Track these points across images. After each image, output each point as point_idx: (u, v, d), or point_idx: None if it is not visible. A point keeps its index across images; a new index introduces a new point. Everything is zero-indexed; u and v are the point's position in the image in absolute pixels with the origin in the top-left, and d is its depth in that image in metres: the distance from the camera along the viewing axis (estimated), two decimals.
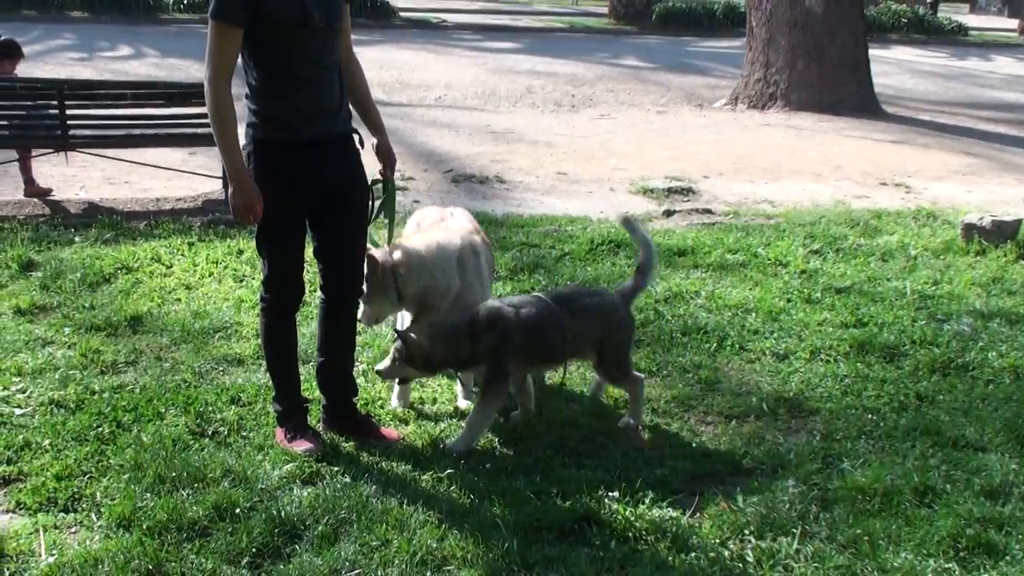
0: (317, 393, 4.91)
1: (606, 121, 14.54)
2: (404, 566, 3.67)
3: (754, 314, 6.33)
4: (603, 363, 4.90)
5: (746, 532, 3.97)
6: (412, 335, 4.66)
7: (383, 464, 4.46)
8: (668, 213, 9.16)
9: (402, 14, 27.00)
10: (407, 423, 4.93)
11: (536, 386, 5.21)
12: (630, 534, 3.91)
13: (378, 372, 4.82)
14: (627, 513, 4.05)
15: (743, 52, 16.65)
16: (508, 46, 22.64)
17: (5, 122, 8.95)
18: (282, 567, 3.68)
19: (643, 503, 4.15)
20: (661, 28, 27.63)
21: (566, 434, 4.76)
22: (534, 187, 10.26)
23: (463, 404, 5.13)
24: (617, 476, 4.36)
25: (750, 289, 6.82)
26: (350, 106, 4.59)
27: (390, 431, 4.79)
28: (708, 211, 9.26)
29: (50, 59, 16.74)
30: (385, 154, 4.71)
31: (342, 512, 3.99)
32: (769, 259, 7.50)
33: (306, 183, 4.42)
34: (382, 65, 17.74)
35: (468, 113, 14.67)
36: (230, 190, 4.42)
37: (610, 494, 4.20)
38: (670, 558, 3.80)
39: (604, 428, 4.84)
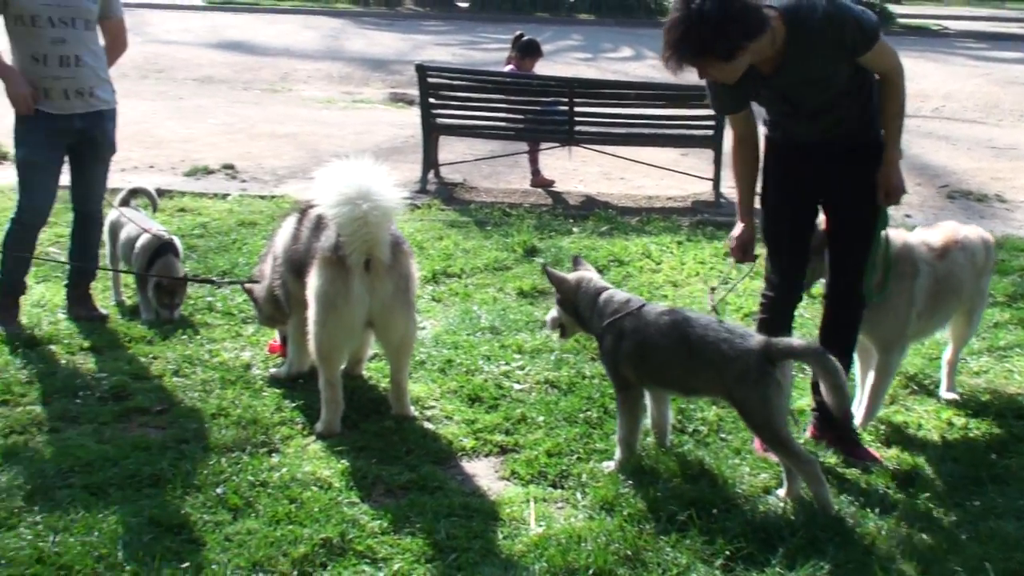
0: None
1: None
2: None
3: None
4: (743, 417, 4.18)
5: None
6: (556, 271, 4.66)
7: (863, 484, 4.33)
8: None
9: (900, 20, 26.00)
10: (890, 446, 4.75)
11: None
12: None
13: (545, 322, 4.99)
14: None
15: None
16: (1015, 56, 21.04)
17: (521, 116, 9.69)
18: (754, 574, 3.66)
19: None
20: None
21: None
22: None
23: None
24: None
25: None
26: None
27: (871, 452, 4.63)
28: None
29: (558, 59, 17.84)
30: (881, 181, 4.42)
31: (817, 529, 3.90)
32: None
33: (795, 185, 4.52)
34: None
35: (968, 126, 13.85)
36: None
37: None
38: None
39: None
